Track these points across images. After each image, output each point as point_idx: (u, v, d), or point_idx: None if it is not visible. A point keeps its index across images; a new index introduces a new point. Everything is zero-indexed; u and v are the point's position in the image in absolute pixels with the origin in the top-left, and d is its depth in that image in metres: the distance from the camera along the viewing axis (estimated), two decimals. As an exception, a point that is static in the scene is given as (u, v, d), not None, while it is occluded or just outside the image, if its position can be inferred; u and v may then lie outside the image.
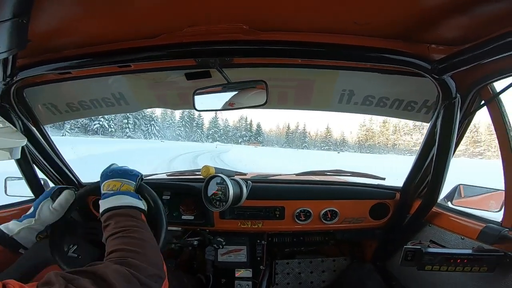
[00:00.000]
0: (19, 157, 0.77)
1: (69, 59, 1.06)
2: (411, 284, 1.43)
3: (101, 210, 0.84)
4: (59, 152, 1.49)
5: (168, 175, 1.80)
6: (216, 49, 1.00)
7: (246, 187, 1.38)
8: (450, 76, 1.00)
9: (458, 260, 1.03)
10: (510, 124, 1.02)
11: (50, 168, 1.45)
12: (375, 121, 74.74)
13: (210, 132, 75.36)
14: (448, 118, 1.09)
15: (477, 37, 0.85)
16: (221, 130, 76.94)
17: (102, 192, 0.87)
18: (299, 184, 1.67)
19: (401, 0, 0.76)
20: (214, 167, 1.33)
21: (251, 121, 78.72)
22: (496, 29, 0.78)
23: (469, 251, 1.04)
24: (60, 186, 1.03)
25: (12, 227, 0.90)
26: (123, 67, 1.14)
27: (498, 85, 1.02)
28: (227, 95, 1.16)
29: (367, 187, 1.65)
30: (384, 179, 1.68)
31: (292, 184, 1.66)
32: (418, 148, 1.35)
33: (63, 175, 1.50)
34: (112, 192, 0.86)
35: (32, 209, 0.95)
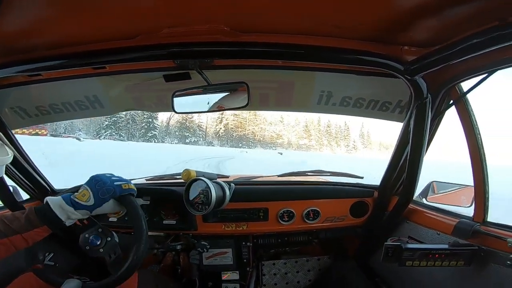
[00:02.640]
0: (3, 175, 0.70)
1: (40, 60, 1.00)
2: (394, 279, 1.46)
3: None
4: (30, 158, 1.41)
5: (147, 180, 1.75)
6: (196, 51, 0.98)
7: (229, 190, 1.36)
8: (421, 77, 1.03)
9: (436, 255, 1.06)
10: (476, 123, 1.07)
11: (19, 175, 1.37)
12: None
13: None
14: (420, 117, 1.13)
15: (446, 39, 0.88)
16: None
17: None
18: (281, 185, 1.68)
19: (377, 3, 0.78)
20: (195, 170, 1.32)
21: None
22: (463, 31, 0.82)
23: (446, 246, 1.07)
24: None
25: (69, 214, 0.89)
26: (98, 69, 1.10)
27: (466, 85, 1.08)
28: (208, 97, 1.15)
29: (347, 186, 1.68)
30: (362, 177, 1.72)
31: (275, 185, 1.67)
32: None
33: (34, 181, 1.43)
34: None
35: (91, 200, 0.91)
